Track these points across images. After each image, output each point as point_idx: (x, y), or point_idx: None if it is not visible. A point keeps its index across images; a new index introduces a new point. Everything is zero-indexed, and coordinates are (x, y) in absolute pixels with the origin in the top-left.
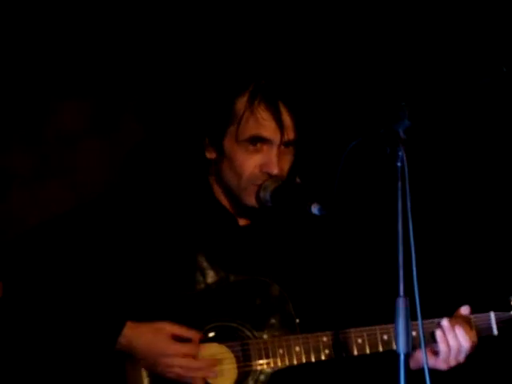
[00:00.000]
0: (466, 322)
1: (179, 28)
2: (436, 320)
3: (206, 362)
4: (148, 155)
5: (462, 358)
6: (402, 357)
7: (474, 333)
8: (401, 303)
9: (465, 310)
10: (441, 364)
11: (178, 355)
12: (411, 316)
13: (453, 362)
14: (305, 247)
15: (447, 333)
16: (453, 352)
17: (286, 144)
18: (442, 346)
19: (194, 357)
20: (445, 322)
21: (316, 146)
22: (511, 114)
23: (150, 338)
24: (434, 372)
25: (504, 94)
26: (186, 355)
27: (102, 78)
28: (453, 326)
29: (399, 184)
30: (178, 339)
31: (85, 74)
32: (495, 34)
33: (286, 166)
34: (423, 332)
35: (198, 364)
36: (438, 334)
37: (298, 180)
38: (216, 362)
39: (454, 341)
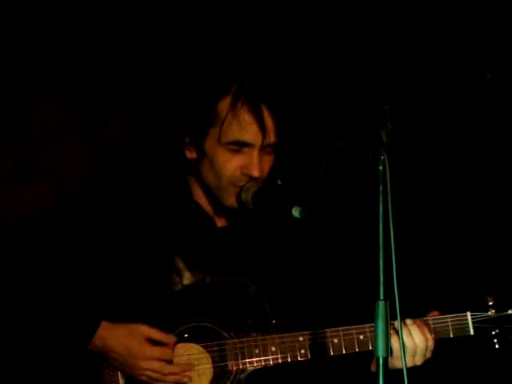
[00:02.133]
0: (424, 323)
1: (162, 28)
2: None
3: (178, 367)
4: (129, 153)
5: (418, 359)
6: (381, 360)
7: (431, 335)
8: (381, 306)
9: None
10: (395, 362)
11: (151, 358)
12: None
13: (408, 363)
14: (282, 248)
15: (404, 331)
16: (408, 351)
17: (266, 146)
18: (392, 343)
19: (168, 361)
20: (397, 322)
21: (298, 148)
22: (492, 118)
23: (125, 339)
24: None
25: (486, 98)
26: (159, 359)
27: (86, 76)
28: (407, 325)
29: (381, 187)
30: (153, 342)
31: (68, 72)
32: (478, 39)
33: (267, 167)
34: (401, 334)
35: (171, 369)
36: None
37: (279, 182)
38: (190, 367)
39: (408, 340)
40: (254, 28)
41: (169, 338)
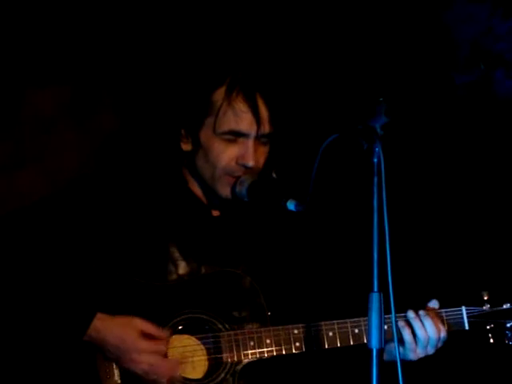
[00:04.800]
0: (436, 315)
1: (156, 20)
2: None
3: (172, 361)
4: (123, 144)
5: (430, 349)
6: (374, 352)
7: (443, 326)
8: (375, 298)
9: (433, 303)
10: (409, 354)
11: (146, 352)
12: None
13: (421, 353)
14: (278, 240)
15: (413, 323)
16: (420, 343)
17: (261, 136)
18: (405, 335)
19: (162, 355)
20: (410, 313)
21: (293, 141)
22: (487, 111)
23: (120, 332)
24: (406, 365)
25: (481, 92)
26: (154, 353)
27: (80, 66)
28: (419, 317)
29: (375, 180)
30: (148, 336)
31: (62, 62)
32: (472, 33)
33: (262, 158)
34: (396, 326)
35: (165, 363)
36: (401, 323)
37: (274, 175)
38: (184, 359)
39: (421, 331)
40: (248, 19)
41: (162, 333)
